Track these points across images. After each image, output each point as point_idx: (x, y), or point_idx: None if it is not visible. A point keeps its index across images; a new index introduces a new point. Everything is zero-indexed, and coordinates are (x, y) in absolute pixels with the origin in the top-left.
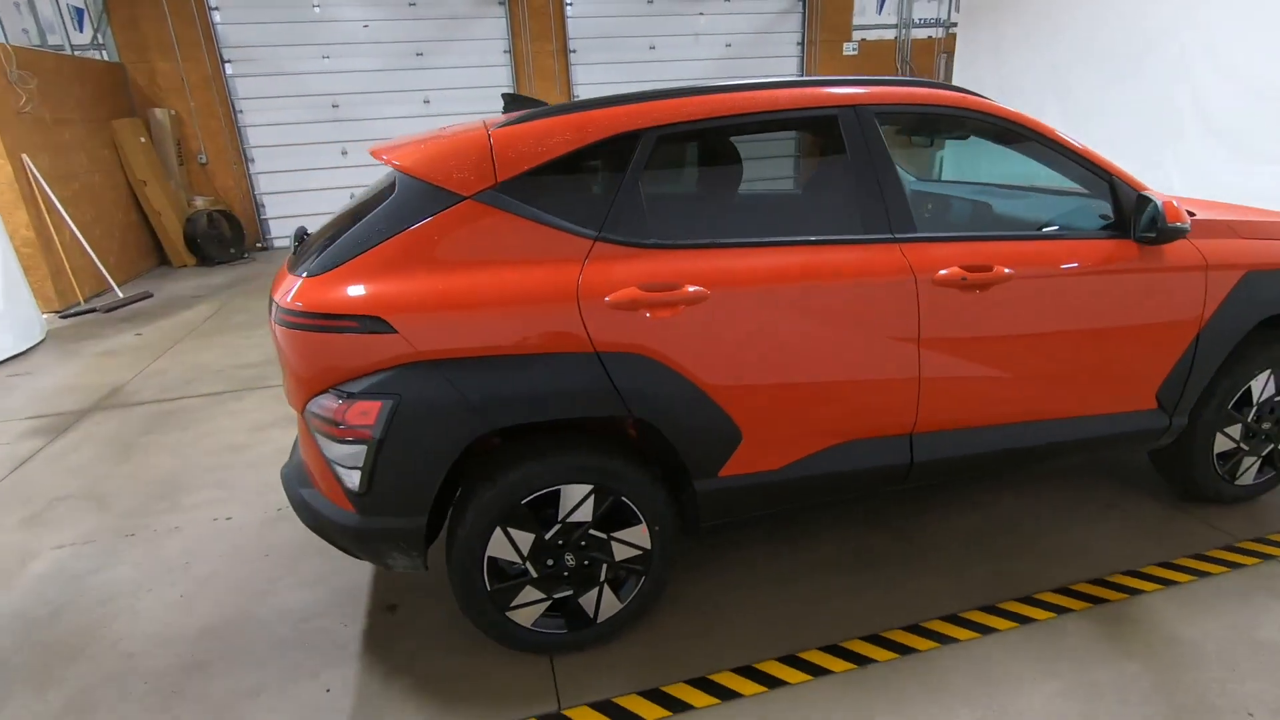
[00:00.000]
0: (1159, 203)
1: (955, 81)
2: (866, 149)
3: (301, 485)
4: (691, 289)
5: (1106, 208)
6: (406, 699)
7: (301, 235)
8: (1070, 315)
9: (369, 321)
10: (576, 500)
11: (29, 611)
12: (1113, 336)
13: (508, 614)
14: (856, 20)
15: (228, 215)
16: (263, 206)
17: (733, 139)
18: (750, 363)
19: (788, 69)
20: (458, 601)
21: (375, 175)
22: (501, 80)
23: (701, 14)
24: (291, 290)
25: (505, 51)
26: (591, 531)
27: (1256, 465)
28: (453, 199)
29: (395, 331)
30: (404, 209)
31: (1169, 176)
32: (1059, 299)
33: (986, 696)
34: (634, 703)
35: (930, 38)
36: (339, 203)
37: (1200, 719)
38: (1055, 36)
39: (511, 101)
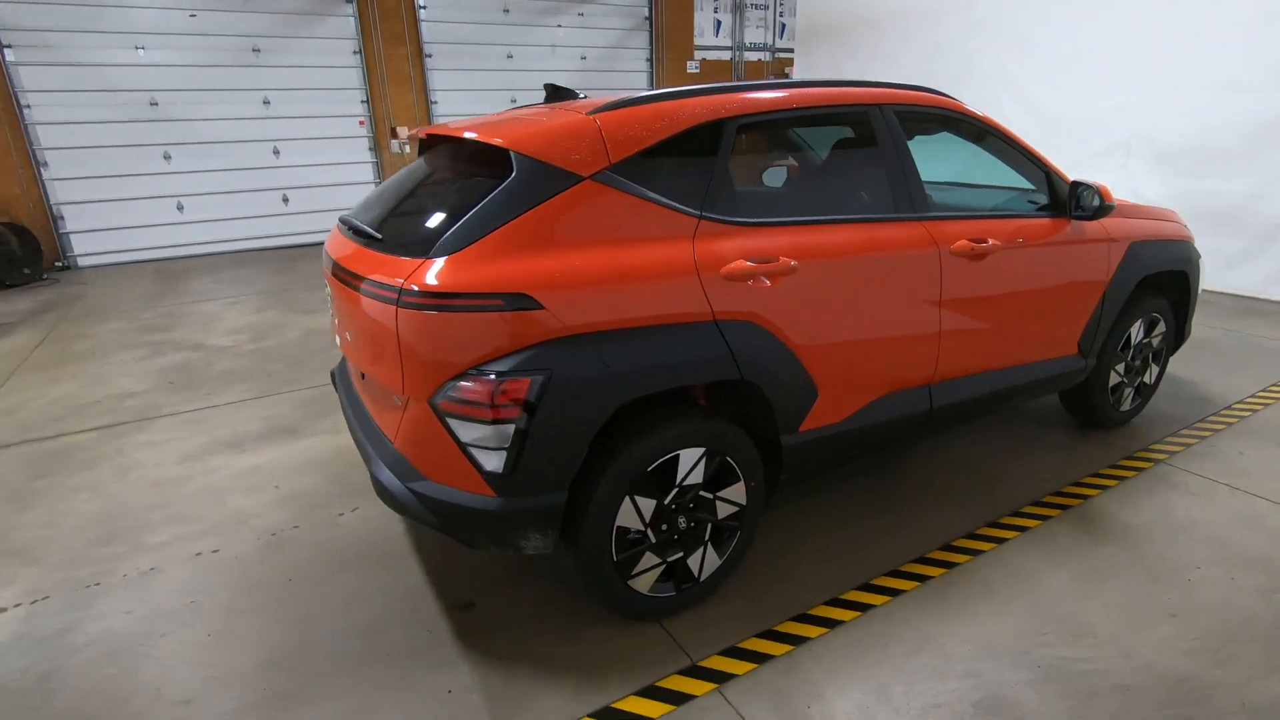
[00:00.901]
0: (1096, 187)
1: None
2: (893, 141)
3: (408, 480)
4: (785, 261)
5: (1034, 196)
6: (538, 685)
7: (354, 220)
8: (1031, 277)
9: (516, 299)
10: (691, 463)
11: (6, 685)
12: (1056, 294)
13: (629, 583)
14: (697, 41)
15: (17, 229)
16: (61, 219)
17: (796, 129)
18: (825, 325)
19: (638, 83)
20: (585, 576)
21: (210, 181)
22: (352, 82)
23: (560, 26)
24: (417, 271)
25: (355, 52)
26: (702, 493)
27: (1132, 393)
28: (572, 179)
29: (543, 307)
30: (526, 189)
31: None
32: (1025, 264)
33: (1024, 589)
34: (757, 644)
35: (760, 60)
36: (164, 214)
37: (1172, 577)
38: (887, 64)
39: (554, 92)
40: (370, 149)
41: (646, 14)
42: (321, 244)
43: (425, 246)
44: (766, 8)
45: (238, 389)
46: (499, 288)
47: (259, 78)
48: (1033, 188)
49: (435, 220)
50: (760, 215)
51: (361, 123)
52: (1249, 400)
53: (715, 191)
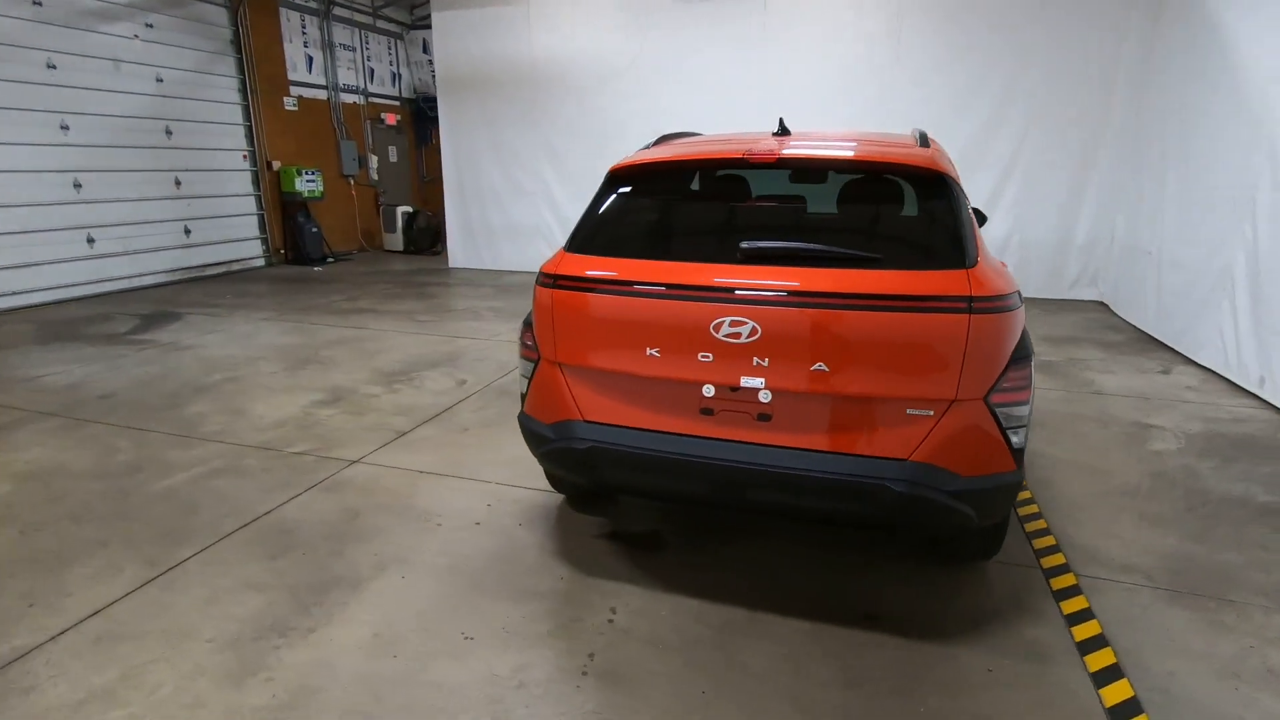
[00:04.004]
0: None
1: (447, 144)
2: None
3: (945, 485)
4: None
5: None
6: (1014, 627)
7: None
8: None
9: (1015, 296)
10: None
11: None
12: None
13: None
14: (291, 76)
15: None
16: None
17: None
18: None
19: (233, 115)
20: (997, 530)
21: None
22: None
23: (136, 38)
24: (975, 281)
25: None
26: None
27: None
28: (965, 198)
29: (1020, 303)
30: (960, 205)
31: None
32: None
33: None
34: (1037, 544)
35: (356, 103)
36: None
37: (1144, 421)
38: (547, 120)
39: (782, 126)
40: None
41: (231, 37)
42: None
43: (952, 260)
44: (355, 50)
45: (117, 571)
46: (1011, 289)
47: None
48: None
49: (928, 235)
50: None
51: None
52: None
53: None
